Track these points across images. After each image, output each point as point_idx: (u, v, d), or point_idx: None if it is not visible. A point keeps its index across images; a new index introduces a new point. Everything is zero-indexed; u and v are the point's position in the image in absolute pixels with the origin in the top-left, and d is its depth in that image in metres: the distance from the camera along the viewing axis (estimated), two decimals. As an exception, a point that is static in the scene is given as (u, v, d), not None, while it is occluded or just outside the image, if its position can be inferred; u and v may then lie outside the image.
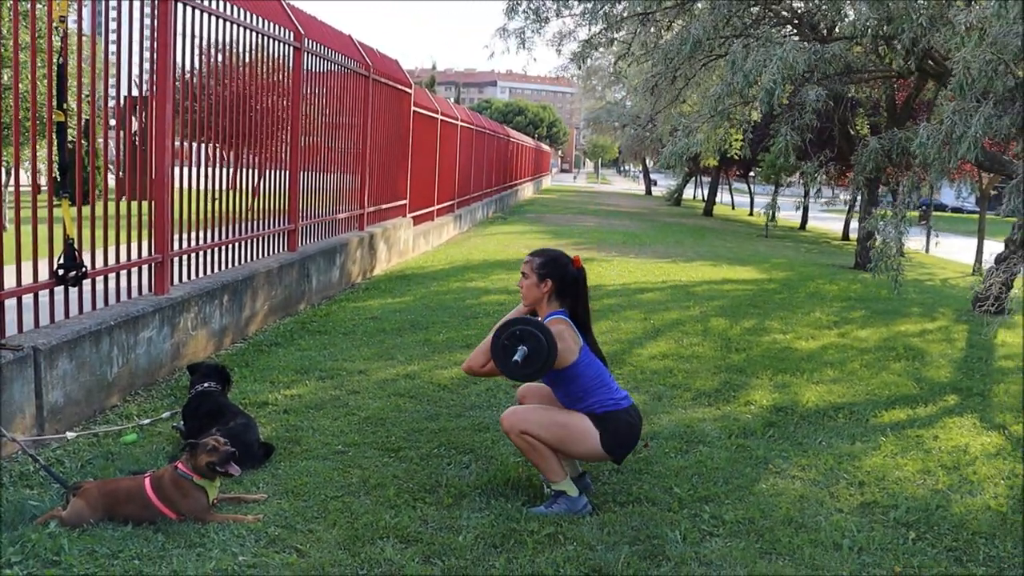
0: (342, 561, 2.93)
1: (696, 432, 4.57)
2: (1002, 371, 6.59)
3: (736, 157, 14.42)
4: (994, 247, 11.43)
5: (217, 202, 5.95)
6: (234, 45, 6.07)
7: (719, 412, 5.01)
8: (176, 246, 5.37)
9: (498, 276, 10.07)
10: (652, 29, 11.96)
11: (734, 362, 6.29)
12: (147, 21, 4.96)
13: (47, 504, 3.17)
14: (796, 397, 5.40)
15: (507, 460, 3.95)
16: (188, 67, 5.43)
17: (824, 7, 10.71)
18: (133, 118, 5.15)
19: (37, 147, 4.05)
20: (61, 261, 4.17)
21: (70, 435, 3.83)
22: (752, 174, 30.79)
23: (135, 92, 5.03)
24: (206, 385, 4.05)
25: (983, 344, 7.58)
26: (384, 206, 10.49)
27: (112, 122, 5.13)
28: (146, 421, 4.16)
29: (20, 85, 3.90)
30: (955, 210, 45.39)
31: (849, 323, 8.25)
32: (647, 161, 44.71)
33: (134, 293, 4.95)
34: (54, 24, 4.06)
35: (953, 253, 19.02)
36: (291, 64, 7.18)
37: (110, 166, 5.19)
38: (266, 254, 6.93)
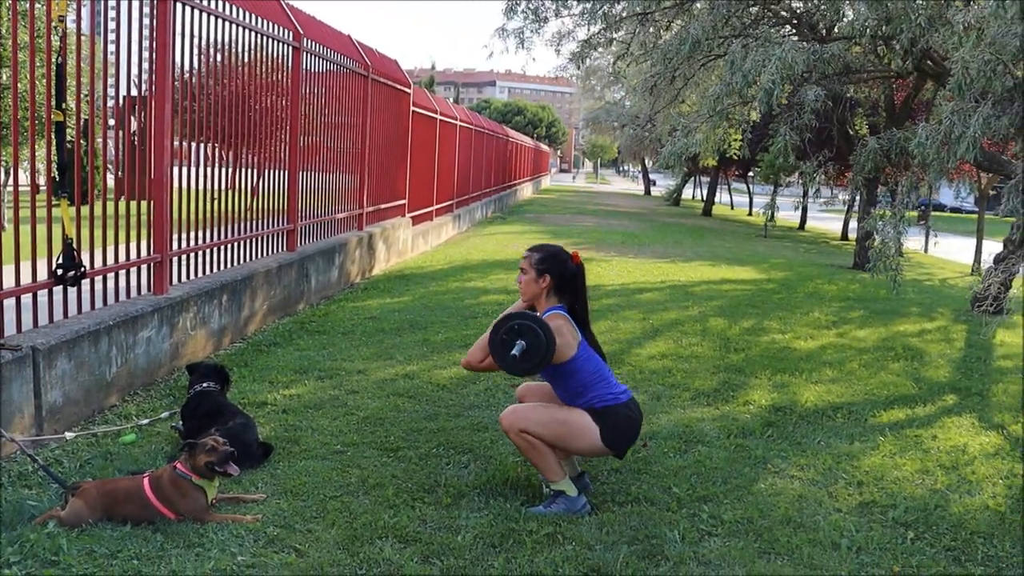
0: (341, 561, 2.93)
1: (695, 432, 4.57)
2: (1001, 371, 6.60)
3: (735, 157, 14.44)
4: (993, 247, 11.44)
5: (216, 202, 5.94)
6: (233, 45, 6.07)
7: (718, 412, 5.01)
8: (175, 246, 5.37)
9: (497, 276, 10.07)
10: (651, 29, 11.97)
11: (733, 362, 6.29)
12: (146, 21, 4.96)
13: (46, 504, 3.17)
14: (795, 397, 5.40)
15: (506, 460, 3.95)
16: (187, 67, 5.43)
17: (823, 7, 10.71)
18: (132, 118, 5.15)
19: (36, 147, 4.05)
20: (60, 261, 4.17)
21: (69, 435, 3.83)
22: (751, 174, 30.82)
23: (134, 92, 5.03)
24: (205, 385, 4.05)
25: (982, 344, 7.59)
26: (383, 206, 10.49)
27: (111, 122, 5.13)
28: (145, 421, 4.15)
29: (19, 85, 3.90)
30: (954, 210, 45.43)
31: (848, 323, 8.25)
32: (646, 161, 44.72)
33: (133, 293, 4.95)
34: (53, 24, 4.06)
35: (952, 253, 19.03)
36: (290, 64, 7.18)
37: (109, 166, 5.19)
38: (265, 254, 6.93)
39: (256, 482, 3.57)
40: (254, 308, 6.38)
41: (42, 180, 4.30)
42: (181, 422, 3.99)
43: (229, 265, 6.24)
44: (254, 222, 6.69)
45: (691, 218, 27.75)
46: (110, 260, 4.71)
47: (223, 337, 5.85)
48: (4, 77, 10.82)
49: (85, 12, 4.71)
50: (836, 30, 11.04)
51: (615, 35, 12.36)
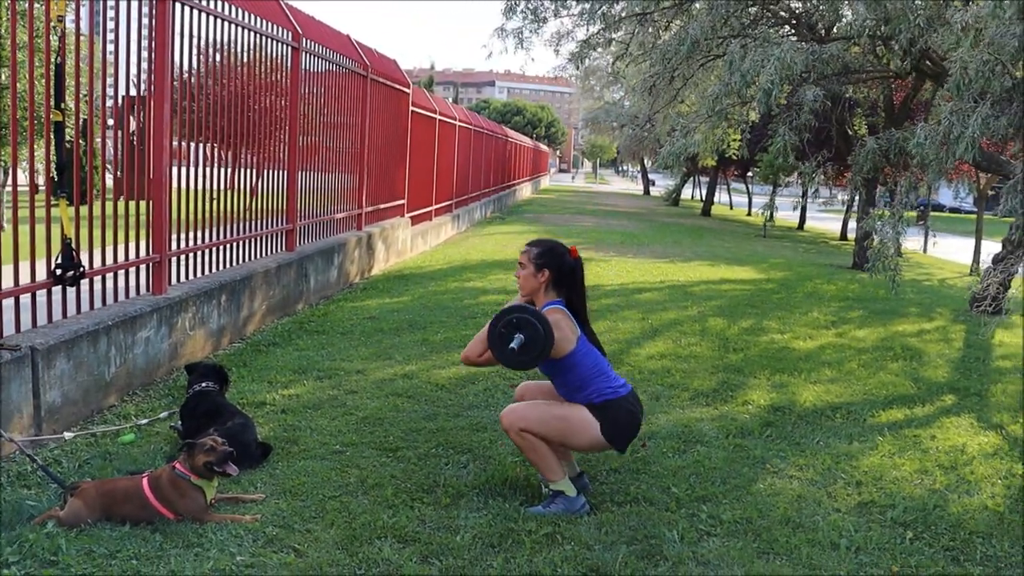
0: (340, 561, 2.93)
1: (694, 432, 4.57)
2: (999, 371, 6.60)
3: (734, 157, 14.45)
4: (992, 247, 11.45)
5: (215, 202, 5.94)
6: (232, 45, 6.07)
7: (717, 412, 5.01)
8: (174, 246, 5.37)
9: (496, 276, 10.08)
10: (650, 29, 11.98)
11: (732, 362, 6.29)
12: (145, 21, 4.96)
13: (45, 504, 3.17)
14: (794, 397, 5.41)
15: (505, 460, 3.96)
16: (186, 67, 5.43)
17: (822, 7, 10.72)
18: (131, 118, 5.15)
19: (35, 146, 4.05)
20: (59, 261, 4.17)
21: (68, 435, 3.83)
22: (750, 174, 30.82)
23: (133, 92, 5.03)
24: (204, 385, 4.05)
25: (980, 344, 7.59)
26: (382, 206, 10.49)
27: (110, 121, 5.13)
28: (144, 421, 4.15)
29: (18, 84, 3.90)
30: (953, 210, 45.46)
31: (847, 323, 8.25)
32: (645, 161, 44.75)
33: (132, 293, 4.95)
34: (52, 23, 4.06)
35: (951, 253, 19.05)
36: (289, 64, 7.18)
37: (108, 166, 5.19)
38: (264, 254, 6.93)
39: (255, 482, 3.57)
40: (253, 308, 6.38)
41: (41, 180, 4.30)
42: (180, 422, 3.99)
43: (228, 265, 6.24)
44: (253, 222, 6.69)
45: (690, 218, 27.75)
46: (109, 260, 4.70)
47: (222, 337, 5.85)
48: (3, 77, 10.81)
49: (84, 12, 4.71)
50: (835, 30, 11.05)
51: (614, 35, 12.37)
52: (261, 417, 4.40)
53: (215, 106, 5.96)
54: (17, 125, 3.92)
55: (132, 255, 4.95)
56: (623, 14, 11.69)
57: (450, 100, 28.40)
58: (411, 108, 11.72)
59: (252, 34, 6.36)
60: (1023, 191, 6.75)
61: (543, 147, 51.84)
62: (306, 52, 7.43)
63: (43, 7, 4.06)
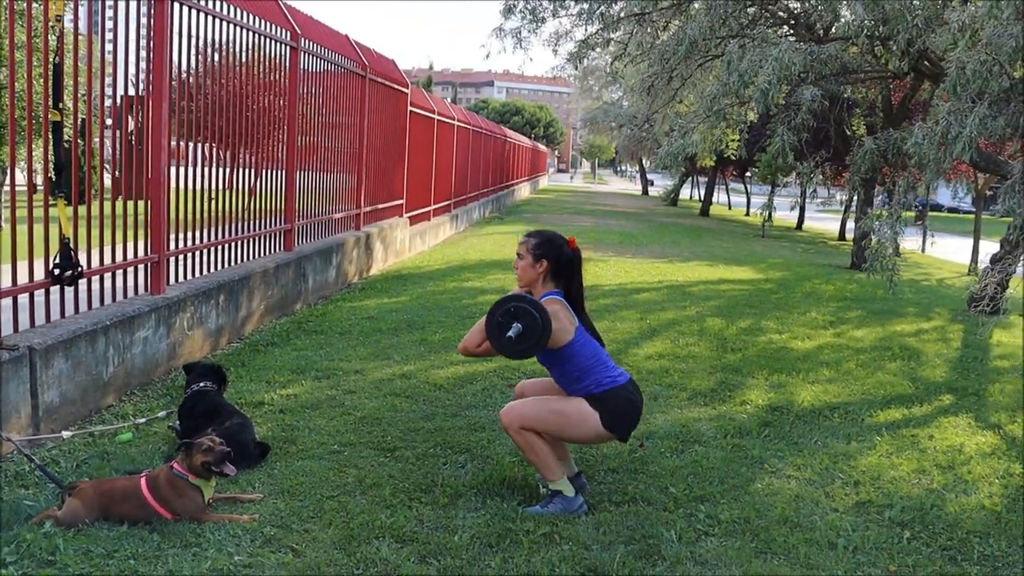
0: (338, 561, 2.93)
1: (692, 432, 4.57)
2: (997, 371, 6.61)
3: (732, 157, 14.46)
4: (990, 247, 11.47)
5: (213, 202, 5.94)
6: (230, 45, 6.06)
7: (715, 412, 5.02)
8: (172, 246, 5.37)
9: (494, 276, 10.07)
10: (648, 29, 11.98)
11: (730, 362, 6.30)
12: (143, 20, 4.96)
13: (42, 504, 3.16)
14: (792, 397, 5.41)
15: (503, 460, 3.96)
16: (184, 66, 5.43)
17: (820, 8, 10.73)
18: (129, 117, 5.14)
19: (33, 146, 4.05)
20: (57, 261, 4.16)
21: (66, 435, 3.83)
22: (748, 174, 30.85)
23: (131, 91, 5.02)
24: (202, 385, 4.04)
25: (978, 344, 7.61)
26: (380, 206, 10.48)
27: (108, 121, 5.13)
28: (142, 421, 4.15)
29: (16, 84, 3.90)
30: (951, 210, 45.52)
31: (845, 323, 8.26)
32: (644, 161, 44.74)
33: (130, 293, 4.95)
34: (50, 23, 4.05)
35: (949, 253, 19.07)
36: (287, 64, 7.18)
37: (106, 165, 5.19)
38: (262, 254, 6.93)
39: (253, 482, 3.57)
40: (251, 308, 6.38)
41: (39, 179, 4.29)
42: (178, 422, 3.99)
43: (226, 265, 6.24)
44: (251, 222, 6.69)
45: (689, 218, 27.77)
46: (107, 260, 4.70)
47: (220, 337, 5.85)
48: (2, 76, 10.80)
49: (82, 12, 4.70)
50: (833, 30, 11.06)
51: (613, 35, 12.38)
52: (259, 417, 4.40)
53: (213, 106, 5.95)
54: (15, 125, 3.92)
55: (130, 255, 4.95)
56: (621, 14, 11.70)
57: (448, 100, 28.39)
58: (410, 108, 11.72)
59: (251, 34, 6.35)
60: (1021, 191, 6.76)
61: (542, 147, 51.85)
62: (304, 52, 7.43)
63: (41, 7, 4.06)
